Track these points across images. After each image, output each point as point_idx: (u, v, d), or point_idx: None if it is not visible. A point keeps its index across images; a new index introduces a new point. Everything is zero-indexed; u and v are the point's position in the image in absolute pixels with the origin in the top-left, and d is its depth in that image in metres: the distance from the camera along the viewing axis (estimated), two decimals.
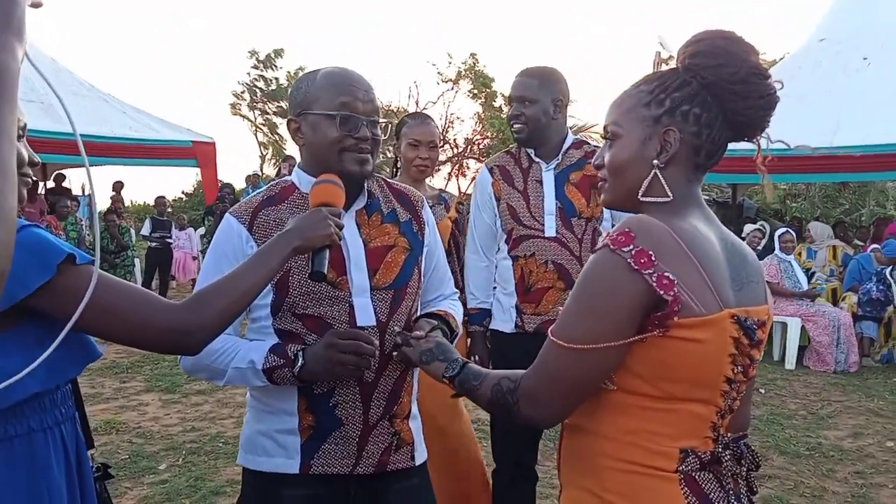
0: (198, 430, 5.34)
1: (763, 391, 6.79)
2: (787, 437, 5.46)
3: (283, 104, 28.88)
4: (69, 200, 11.27)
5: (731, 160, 1.47)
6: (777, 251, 8.39)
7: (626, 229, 1.26)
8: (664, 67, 1.42)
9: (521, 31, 57.45)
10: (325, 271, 1.63)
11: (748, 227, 9.61)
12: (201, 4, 65.09)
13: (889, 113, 8.21)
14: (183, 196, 26.60)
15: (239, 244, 1.84)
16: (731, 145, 1.41)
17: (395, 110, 21.48)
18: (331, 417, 1.83)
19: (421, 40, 58.11)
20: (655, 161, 1.36)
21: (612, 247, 1.25)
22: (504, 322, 3.10)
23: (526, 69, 3.07)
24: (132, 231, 13.17)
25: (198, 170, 13.00)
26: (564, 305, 1.33)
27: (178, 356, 1.83)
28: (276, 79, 31.11)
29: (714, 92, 1.34)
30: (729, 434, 1.38)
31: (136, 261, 12.29)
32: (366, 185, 1.93)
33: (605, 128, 1.45)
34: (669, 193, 1.35)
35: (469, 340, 3.23)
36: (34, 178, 1.55)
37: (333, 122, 1.80)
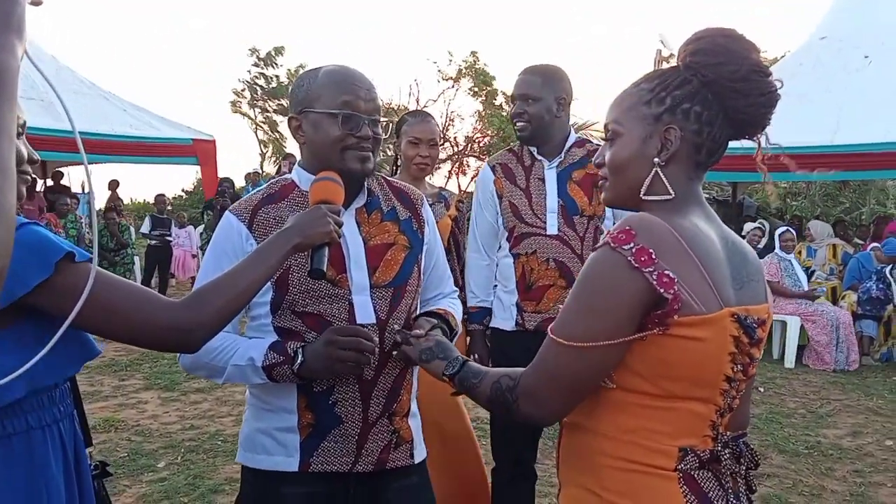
0: (197, 428, 5.34)
1: (762, 389, 6.80)
2: (786, 436, 5.46)
3: (284, 102, 28.89)
4: (69, 198, 11.26)
5: (731, 158, 1.47)
6: (777, 250, 8.39)
7: (627, 227, 1.26)
8: (665, 65, 1.42)
9: (521, 31, 57.50)
10: (325, 269, 1.63)
11: (748, 226, 9.61)
12: (201, 4, 65.16)
13: (890, 111, 8.22)
14: (183, 194, 26.59)
15: (239, 242, 1.83)
16: (731, 143, 1.41)
17: (395, 108, 21.47)
18: (330, 415, 1.82)
19: (421, 40, 58.18)
20: (656, 159, 1.36)
21: (612, 244, 1.25)
22: (505, 320, 3.10)
23: (529, 67, 3.06)
24: (132, 229, 13.16)
25: (198, 167, 13.00)
26: (564, 303, 1.33)
27: (178, 354, 1.83)
28: (277, 76, 31.12)
29: (715, 90, 1.34)
30: (728, 432, 1.38)
31: (136, 259, 12.29)
32: (366, 183, 1.93)
33: (605, 126, 1.45)
34: (671, 191, 1.35)
35: (468, 339, 3.23)
36: (33, 176, 1.55)
37: (335, 121, 1.80)
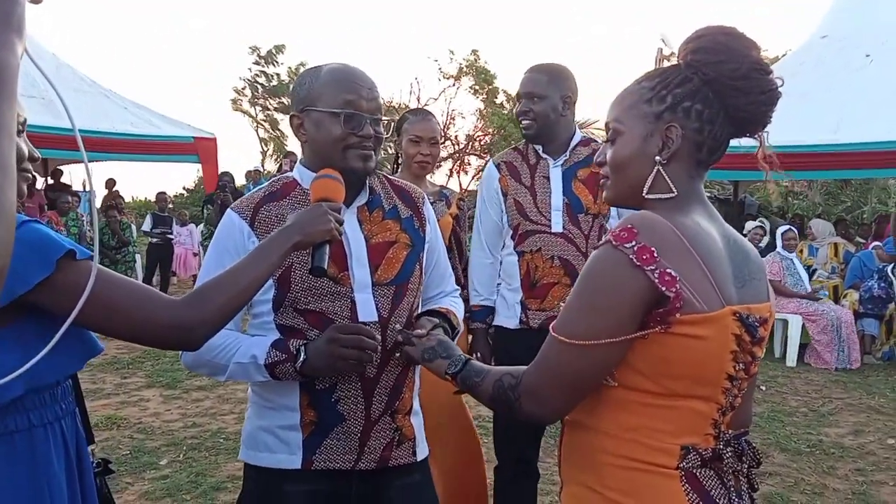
0: (199, 426, 5.35)
1: (764, 388, 6.80)
2: (787, 435, 5.46)
3: (285, 100, 28.95)
4: (70, 196, 11.27)
5: (732, 157, 1.46)
6: (779, 248, 8.39)
7: (629, 225, 1.26)
8: (666, 64, 1.41)
9: (521, 32, 57.53)
10: (326, 266, 1.63)
11: (749, 224, 9.61)
12: (201, 4, 65.19)
13: (891, 110, 8.21)
14: (184, 192, 26.62)
15: (240, 239, 1.84)
16: (732, 142, 1.41)
17: (396, 107, 21.47)
18: (333, 413, 1.83)
19: (421, 39, 58.22)
20: (658, 157, 1.35)
21: (614, 243, 1.25)
22: (508, 318, 3.09)
23: (535, 65, 3.06)
24: (133, 227, 13.17)
25: (199, 165, 13.01)
26: (566, 301, 1.32)
27: (179, 352, 1.83)
28: (278, 74, 31.14)
29: (715, 88, 1.34)
30: (730, 431, 1.38)
31: (137, 257, 12.31)
32: (367, 181, 1.93)
33: (606, 125, 1.44)
34: (673, 189, 1.35)
35: (470, 337, 3.23)
36: (34, 174, 1.55)
37: (337, 120, 1.80)
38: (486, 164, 3.32)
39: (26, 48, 0.89)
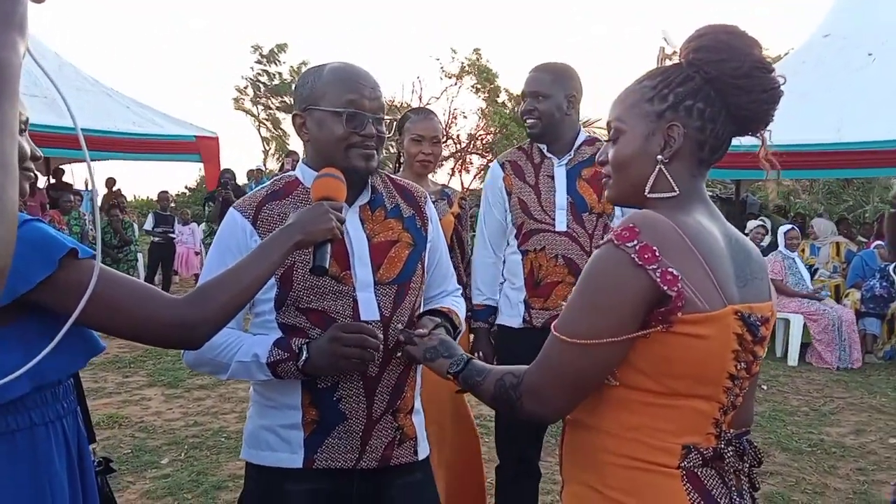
0: (200, 425, 5.35)
1: (765, 387, 6.79)
2: (789, 434, 5.45)
3: (287, 99, 28.96)
4: (72, 195, 11.28)
5: (734, 156, 1.46)
6: (782, 247, 8.38)
7: (631, 224, 1.26)
8: (668, 63, 1.41)
9: (521, 32, 57.52)
10: (327, 265, 1.63)
11: (751, 224, 9.60)
12: (201, 4, 65.22)
13: (893, 109, 8.19)
14: (186, 191, 26.65)
15: (243, 238, 1.84)
16: (734, 141, 1.41)
17: (398, 105, 21.47)
18: (334, 412, 1.83)
19: (422, 39, 58.24)
20: (660, 156, 1.35)
21: (616, 242, 1.25)
22: (512, 317, 3.09)
23: (540, 65, 3.06)
24: (135, 226, 13.18)
25: (201, 164, 13.01)
26: (568, 300, 1.32)
27: (181, 351, 1.84)
28: (279, 73, 31.14)
29: (717, 86, 1.34)
30: (731, 430, 1.38)
31: (139, 255, 12.31)
32: (369, 180, 1.93)
33: (608, 124, 1.44)
34: (675, 188, 1.35)
35: (472, 336, 3.23)
36: (36, 173, 1.55)
37: (340, 120, 1.80)
38: (487, 163, 3.32)
39: (28, 47, 0.89)
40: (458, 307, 2.08)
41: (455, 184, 20.59)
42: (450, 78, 23.05)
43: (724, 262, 1.31)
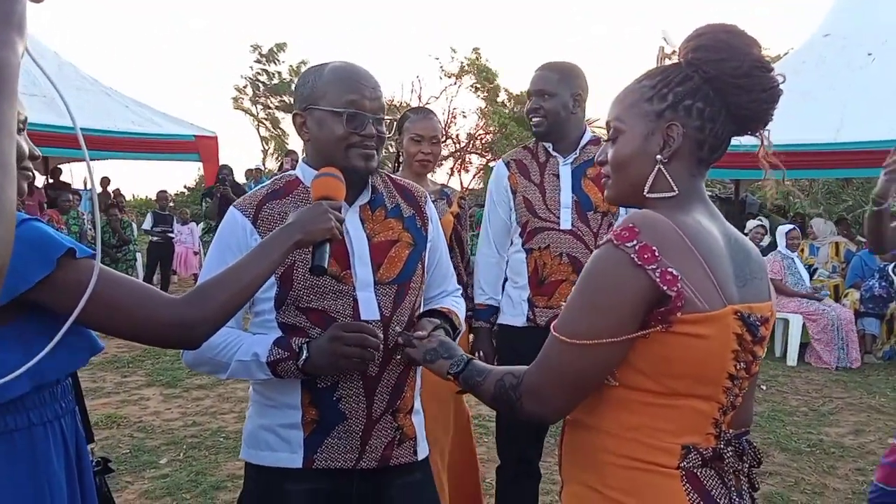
0: (199, 425, 5.35)
1: (764, 387, 6.79)
2: (788, 434, 5.45)
3: (286, 98, 28.95)
4: (70, 194, 11.27)
5: (734, 155, 1.46)
6: (782, 247, 8.38)
7: (630, 224, 1.26)
8: (667, 62, 1.41)
9: (521, 32, 57.53)
10: (326, 265, 1.63)
11: (751, 223, 9.61)
12: (201, 4, 65.23)
13: (893, 109, 8.21)
14: (185, 190, 26.64)
15: (243, 237, 1.84)
16: (734, 140, 1.41)
17: (397, 105, 21.47)
18: (334, 412, 1.82)
19: (422, 38, 58.26)
20: (659, 156, 1.35)
21: (615, 242, 1.25)
22: (515, 316, 3.08)
23: (546, 63, 3.06)
24: (134, 225, 13.18)
25: (200, 164, 13.02)
26: (567, 300, 1.32)
27: (180, 350, 1.83)
28: (279, 73, 31.14)
29: (717, 86, 1.34)
30: (731, 430, 1.38)
31: (138, 255, 12.31)
32: (370, 180, 1.93)
33: (607, 123, 1.44)
34: (674, 188, 1.34)
35: (472, 336, 3.22)
36: (34, 172, 1.54)
37: (340, 119, 1.80)
38: (487, 162, 3.32)
39: (27, 47, 0.89)
40: (458, 308, 2.08)
41: (454, 183, 20.62)
42: (449, 77, 23.07)
43: (724, 262, 1.31)
